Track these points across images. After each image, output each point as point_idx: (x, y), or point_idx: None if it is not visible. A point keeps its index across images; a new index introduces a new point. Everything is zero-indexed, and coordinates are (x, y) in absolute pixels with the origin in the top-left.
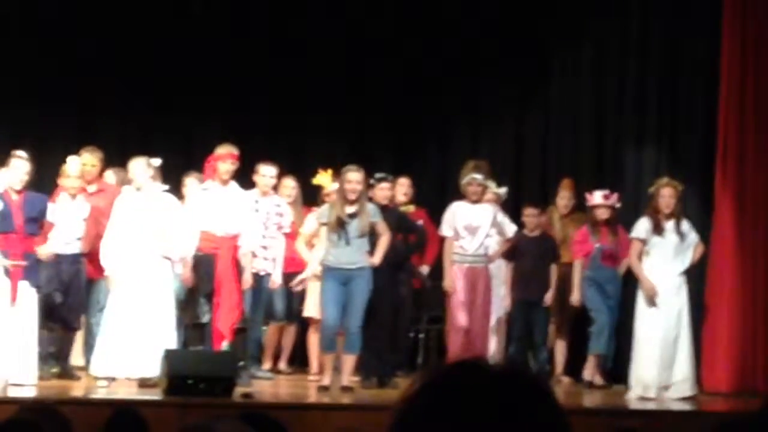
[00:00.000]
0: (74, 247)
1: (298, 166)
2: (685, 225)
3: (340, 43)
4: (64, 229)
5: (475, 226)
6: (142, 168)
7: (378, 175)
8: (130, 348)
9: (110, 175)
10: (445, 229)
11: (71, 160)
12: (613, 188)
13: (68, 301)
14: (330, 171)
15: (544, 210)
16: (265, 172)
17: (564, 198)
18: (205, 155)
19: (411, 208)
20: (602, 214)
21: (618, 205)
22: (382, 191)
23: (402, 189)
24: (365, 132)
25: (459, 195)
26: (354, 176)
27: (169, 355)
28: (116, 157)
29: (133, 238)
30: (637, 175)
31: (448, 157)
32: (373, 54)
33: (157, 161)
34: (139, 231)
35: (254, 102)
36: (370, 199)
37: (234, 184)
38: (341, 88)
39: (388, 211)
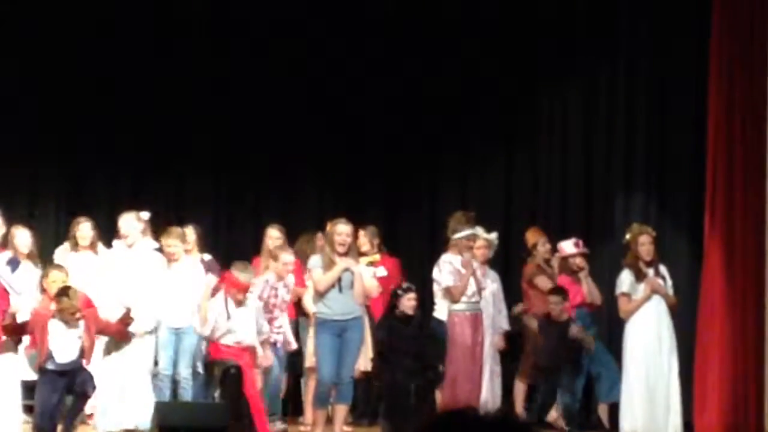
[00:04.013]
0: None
1: (287, 215)
2: (663, 269)
3: (328, 95)
4: (61, 350)
5: (463, 274)
6: (133, 223)
7: (404, 286)
8: (124, 400)
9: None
10: (447, 279)
11: (72, 294)
12: (602, 237)
13: (80, 376)
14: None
15: (567, 296)
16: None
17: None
18: (196, 210)
19: (377, 257)
20: (580, 262)
21: (588, 251)
22: (410, 301)
23: (365, 239)
24: (353, 181)
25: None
26: (343, 229)
27: (160, 407)
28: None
29: (123, 293)
30: (625, 225)
31: (437, 207)
32: (360, 105)
33: (146, 215)
34: (127, 287)
35: (243, 152)
36: (395, 310)
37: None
38: (329, 139)
39: (413, 319)
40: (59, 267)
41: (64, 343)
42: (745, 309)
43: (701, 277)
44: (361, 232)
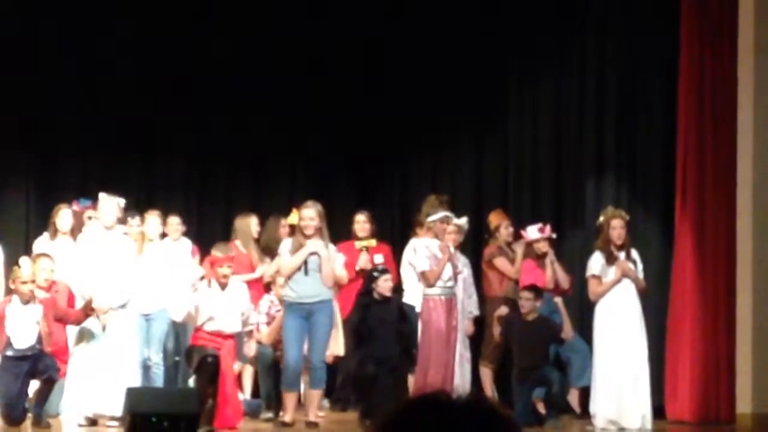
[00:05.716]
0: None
1: (259, 202)
2: (635, 254)
3: (301, 78)
4: (19, 335)
5: (440, 259)
6: (113, 208)
7: (380, 268)
8: (98, 387)
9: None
10: (423, 263)
11: (23, 262)
12: (573, 220)
13: (42, 363)
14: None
15: (541, 294)
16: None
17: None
18: (168, 195)
19: (372, 242)
20: (543, 247)
21: (554, 236)
22: (386, 283)
23: (358, 225)
24: (326, 167)
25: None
26: (307, 213)
27: (131, 393)
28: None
29: (95, 277)
30: (597, 208)
31: (408, 191)
32: (333, 89)
33: (121, 201)
34: (100, 271)
35: (215, 137)
36: (372, 292)
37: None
38: (301, 123)
39: (391, 301)
40: (47, 255)
41: (22, 329)
42: (716, 292)
43: (672, 260)
44: (357, 217)
